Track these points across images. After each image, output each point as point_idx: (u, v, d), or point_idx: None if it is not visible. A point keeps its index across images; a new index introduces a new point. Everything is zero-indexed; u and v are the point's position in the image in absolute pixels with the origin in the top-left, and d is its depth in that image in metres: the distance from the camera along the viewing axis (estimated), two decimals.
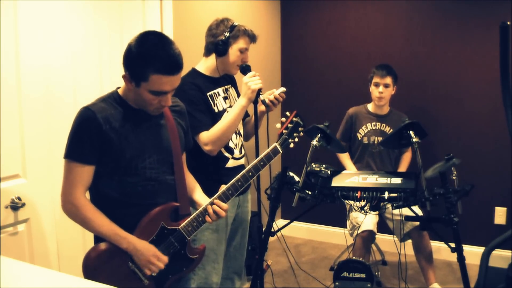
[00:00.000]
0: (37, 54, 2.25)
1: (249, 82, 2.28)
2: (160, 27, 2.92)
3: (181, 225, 1.82)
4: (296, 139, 2.08)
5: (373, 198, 2.51)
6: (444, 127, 3.88)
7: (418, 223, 2.97)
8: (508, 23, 1.20)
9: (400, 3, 3.95)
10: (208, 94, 2.39)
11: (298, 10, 4.36)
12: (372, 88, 3.48)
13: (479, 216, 3.80)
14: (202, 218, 1.85)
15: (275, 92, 2.40)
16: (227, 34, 2.36)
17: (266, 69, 4.26)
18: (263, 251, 2.63)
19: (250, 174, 1.94)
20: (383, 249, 3.91)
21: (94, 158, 1.69)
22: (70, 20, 2.40)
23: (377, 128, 3.52)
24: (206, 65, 2.45)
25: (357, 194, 2.53)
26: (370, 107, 3.59)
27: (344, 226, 3.39)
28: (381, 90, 3.42)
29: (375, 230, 3.21)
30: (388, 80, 3.41)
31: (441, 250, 3.73)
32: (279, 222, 3.26)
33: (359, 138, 3.55)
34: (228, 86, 2.55)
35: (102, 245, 1.71)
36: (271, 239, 2.79)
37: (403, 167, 3.57)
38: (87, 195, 1.76)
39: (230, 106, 2.44)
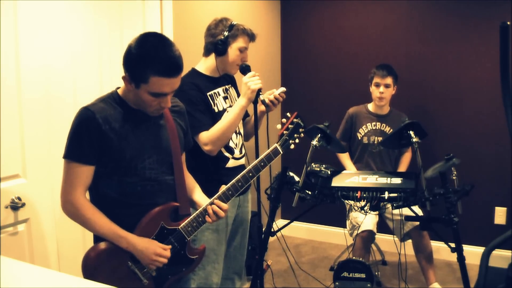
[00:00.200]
0: (37, 54, 2.25)
1: (248, 82, 2.28)
2: (160, 27, 2.92)
3: (181, 225, 1.82)
4: (297, 140, 2.08)
5: (373, 198, 2.51)
6: (444, 127, 3.88)
7: (418, 222, 2.97)
8: (508, 23, 1.20)
9: (400, 3, 3.95)
10: (208, 94, 2.39)
11: (298, 10, 4.36)
12: (373, 88, 3.48)
13: (479, 216, 3.80)
14: (202, 219, 1.85)
15: (275, 92, 2.40)
16: (226, 33, 2.36)
17: (266, 69, 4.26)
18: (263, 251, 2.63)
19: (250, 174, 1.94)
20: (383, 249, 3.91)
21: (94, 158, 1.69)
22: (70, 20, 2.40)
23: (377, 128, 3.52)
24: (205, 65, 2.45)
25: (357, 194, 2.53)
26: (370, 107, 3.59)
27: (344, 226, 3.39)
28: (382, 91, 3.42)
29: (375, 230, 3.21)
30: (389, 80, 3.41)
31: (441, 250, 3.73)
32: (279, 222, 3.26)
33: (359, 138, 3.55)
34: (228, 86, 2.55)
35: (102, 245, 1.71)
36: (271, 239, 2.79)
37: (403, 167, 3.57)
38: (87, 195, 1.76)
39: (230, 106, 2.44)
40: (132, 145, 1.72)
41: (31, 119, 2.24)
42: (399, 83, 3.55)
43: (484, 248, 1.43)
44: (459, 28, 3.76)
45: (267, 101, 2.35)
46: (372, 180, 2.60)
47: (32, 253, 2.26)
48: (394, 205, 2.53)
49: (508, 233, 1.40)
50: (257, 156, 2.08)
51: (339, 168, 2.84)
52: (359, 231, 3.11)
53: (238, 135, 2.53)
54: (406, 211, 2.79)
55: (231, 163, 2.46)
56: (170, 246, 1.79)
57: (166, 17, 2.95)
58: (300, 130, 2.09)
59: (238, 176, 1.92)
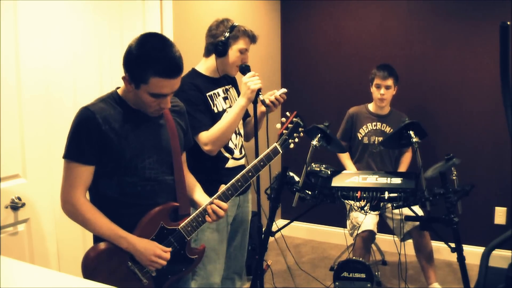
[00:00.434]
0: (37, 54, 2.25)
1: (248, 82, 2.28)
2: (160, 27, 2.92)
3: (181, 225, 1.82)
4: (296, 140, 2.08)
5: (373, 198, 2.51)
6: (444, 127, 3.88)
7: (418, 222, 2.97)
8: (508, 23, 1.21)
9: (400, 3, 3.95)
10: (207, 94, 2.39)
11: (298, 10, 4.36)
12: (374, 89, 3.48)
13: (479, 216, 3.80)
14: (202, 218, 1.85)
15: (276, 92, 2.40)
16: (226, 34, 2.36)
17: (266, 69, 4.26)
18: (263, 251, 2.63)
19: (250, 174, 1.94)
20: (383, 249, 3.91)
21: (94, 158, 1.69)
22: (70, 20, 2.40)
23: (377, 128, 3.52)
24: (206, 65, 2.45)
25: (357, 194, 2.53)
26: (371, 107, 3.59)
27: (344, 226, 3.39)
28: (383, 92, 3.42)
29: (375, 230, 3.21)
30: (390, 82, 3.41)
31: (441, 250, 3.73)
32: (279, 222, 3.26)
33: (360, 138, 3.55)
34: (229, 87, 2.55)
35: (102, 245, 1.71)
36: (271, 239, 2.79)
37: (403, 167, 3.57)
38: (88, 195, 1.76)
39: (230, 107, 2.44)
40: (132, 145, 1.72)
41: (31, 119, 2.24)
42: (400, 83, 3.54)
43: (484, 248, 1.43)
44: (459, 28, 3.75)
45: (267, 101, 2.35)
46: (372, 180, 2.60)
47: (32, 253, 2.27)
48: (394, 205, 2.53)
49: (508, 233, 1.40)
50: (256, 156, 2.08)
51: (339, 168, 2.84)
52: (360, 231, 3.11)
53: (238, 135, 2.53)
54: (406, 211, 2.79)
55: (231, 164, 2.46)
56: (170, 249, 1.79)
57: (166, 17, 2.95)
58: (300, 129, 2.09)
59: (238, 176, 1.92)
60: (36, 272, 1.47)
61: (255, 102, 2.32)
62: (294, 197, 2.62)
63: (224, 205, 1.87)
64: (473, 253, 3.36)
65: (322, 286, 3.44)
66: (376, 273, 3.56)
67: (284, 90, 2.42)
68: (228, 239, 2.53)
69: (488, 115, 3.71)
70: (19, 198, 2.18)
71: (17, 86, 2.17)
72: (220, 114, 2.40)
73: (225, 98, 2.48)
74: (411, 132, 2.61)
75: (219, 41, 2.36)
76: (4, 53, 2.10)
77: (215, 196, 1.87)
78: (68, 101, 2.40)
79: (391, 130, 3.46)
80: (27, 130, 2.22)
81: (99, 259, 1.70)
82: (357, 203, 2.57)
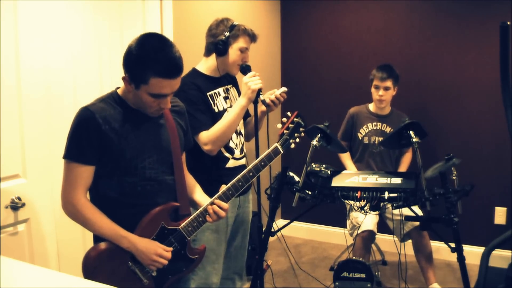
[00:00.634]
0: (37, 54, 2.25)
1: (249, 82, 2.28)
2: (160, 27, 2.92)
3: (181, 225, 1.82)
4: (297, 140, 2.08)
5: (373, 198, 2.51)
6: (444, 127, 3.88)
7: (418, 223, 2.97)
8: (508, 23, 1.21)
9: (400, 3, 3.96)
10: (208, 94, 2.39)
11: (298, 10, 4.36)
12: (373, 90, 3.48)
13: (479, 216, 3.80)
14: (203, 218, 1.85)
15: (276, 92, 2.40)
16: (227, 33, 2.36)
17: (266, 69, 4.26)
18: (263, 251, 2.63)
19: (251, 174, 1.94)
20: (383, 249, 3.91)
21: (94, 158, 1.69)
22: (70, 20, 2.40)
23: (377, 128, 3.52)
24: (206, 65, 2.45)
25: (357, 194, 2.53)
26: (371, 107, 3.59)
27: (344, 226, 3.39)
28: (381, 94, 3.42)
29: (375, 230, 3.21)
30: (389, 83, 3.41)
31: (441, 250, 3.73)
32: (279, 222, 3.26)
33: (360, 138, 3.55)
34: (229, 86, 2.55)
35: (102, 245, 1.71)
36: (271, 239, 2.79)
37: (403, 167, 3.57)
38: (88, 195, 1.76)
39: (231, 106, 2.44)
40: (132, 145, 1.72)
41: (31, 119, 2.24)
42: (400, 83, 3.54)
43: (484, 248, 1.43)
44: (459, 28, 3.75)
45: (267, 101, 2.35)
46: (372, 180, 2.60)
47: (32, 253, 2.26)
48: (394, 205, 2.52)
49: (508, 233, 1.40)
50: (257, 156, 2.08)
51: (339, 168, 2.84)
52: (360, 231, 3.11)
53: (238, 135, 2.53)
54: (406, 211, 2.79)
55: (231, 163, 2.46)
56: (171, 248, 1.79)
57: (166, 17, 2.95)
58: (301, 129, 2.09)
59: (239, 176, 1.92)
60: (36, 272, 1.47)
61: (255, 102, 2.32)
62: (294, 197, 2.62)
63: (225, 205, 1.86)
64: (473, 253, 3.36)
65: (322, 286, 3.44)
66: (376, 273, 3.56)
67: (284, 89, 2.42)
68: (228, 239, 2.53)
69: (488, 115, 3.71)
70: (19, 198, 2.18)
71: (17, 86, 2.17)
72: (220, 114, 2.40)
73: (225, 98, 2.48)
74: (411, 132, 2.61)
75: (219, 40, 2.36)
76: (4, 53, 2.10)
77: (216, 196, 1.87)
78: (68, 101, 2.40)
79: (391, 130, 3.46)
80: (27, 130, 2.22)
81: (99, 259, 1.70)
82: (357, 203, 2.57)
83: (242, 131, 2.59)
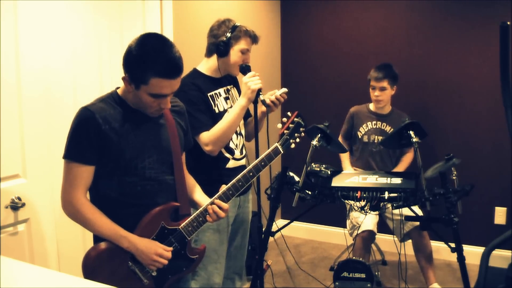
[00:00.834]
0: (37, 54, 2.25)
1: (249, 82, 2.28)
2: (160, 27, 2.92)
3: (181, 225, 1.82)
4: (297, 140, 2.08)
5: (373, 198, 2.51)
6: (444, 127, 3.88)
7: (418, 222, 2.97)
8: (508, 23, 1.21)
9: (400, 3, 3.95)
10: (208, 94, 2.39)
11: (298, 10, 4.36)
12: (370, 91, 3.50)
13: (479, 216, 3.80)
14: (203, 218, 1.85)
15: (277, 92, 2.40)
16: (228, 34, 2.36)
17: (266, 69, 4.26)
18: (263, 251, 2.63)
19: (251, 174, 1.94)
20: (383, 249, 3.91)
21: (94, 158, 1.69)
22: (70, 20, 2.40)
23: (377, 127, 3.53)
24: (207, 65, 2.45)
25: (357, 194, 2.53)
26: (372, 106, 3.60)
27: (344, 226, 3.39)
28: (377, 94, 3.43)
29: (375, 230, 3.21)
30: (384, 83, 3.41)
31: (441, 250, 3.73)
32: (279, 222, 3.26)
33: (359, 137, 3.56)
34: (230, 87, 2.55)
35: (102, 245, 1.71)
36: (271, 239, 2.79)
37: (401, 167, 3.54)
38: (88, 195, 1.76)
39: (231, 107, 2.44)
40: (132, 145, 1.72)
41: (31, 119, 2.24)
42: (399, 83, 3.55)
43: (484, 248, 1.43)
44: (459, 28, 3.76)
45: (268, 101, 2.35)
46: (372, 180, 2.60)
47: (32, 253, 2.26)
48: (394, 205, 2.53)
49: (508, 233, 1.40)
50: (257, 156, 2.08)
51: (339, 168, 2.85)
52: (360, 231, 3.11)
53: (239, 135, 2.53)
54: (406, 211, 2.79)
55: (232, 164, 2.46)
56: (172, 248, 1.79)
57: (166, 17, 2.95)
58: (301, 129, 2.09)
59: (239, 176, 1.92)
60: (36, 272, 1.47)
61: (255, 102, 2.32)
62: (294, 197, 2.62)
63: (225, 205, 1.86)
64: (473, 253, 3.36)
65: (322, 286, 3.44)
66: (376, 273, 3.56)
67: (284, 89, 2.42)
68: (228, 239, 2.53)
69: (488, 115, 3.71)
70: (19, 198, 2.18)
71: (17, 86, 2.17)
72: (221, 114, 2.40)
73: (226, 98, 2.48)
74: (411, 132, 2.61)
75: (220, 41, 2.36)
76: (4, 53, 2.10)
77: (216, 196, 1.87)
78: (68, 101, 2.40)
79: (391, 129, 3.47)
80: (27, 130, 2.22)
81: (99, 258, 1.70)
82: (357, 203, 2.57)
83: (242, 132, 2.59)
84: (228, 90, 2.52)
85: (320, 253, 4.19)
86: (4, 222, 2.13)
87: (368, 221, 3.12)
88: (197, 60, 2.51)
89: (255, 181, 2.13)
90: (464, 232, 2.80)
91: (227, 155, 2.45)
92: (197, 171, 2.14)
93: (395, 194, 2.50)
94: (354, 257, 2.82)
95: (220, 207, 1.85)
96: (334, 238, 4.32)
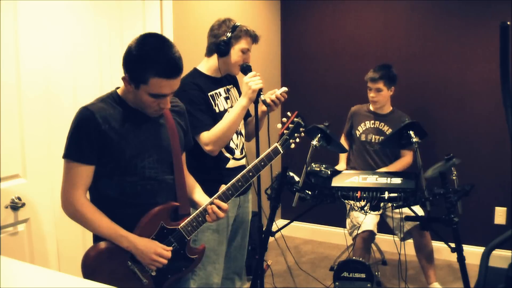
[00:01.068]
0: (37, 54, 2.25)
1: (249, 82, 2.28)
2: (160, 27, 2.92)
3: (181, 224, 1.82)
4: (297, 140, 2.08)
5: (373, 198, 2.51)
6: (444, 127, 3.88)
7: (418, 222, 2.97)
8: (508, 23, 1.21)
9: (400, 3, 3.95)
10: (209, 94, 2.39)
11: (298, 10, 4.36)
12: (368, 91, 3.51)
13: (479, 216, 3.80)
14: (202, 218, 1.85)
15: (277, 91, 2.40)
16: (229, 34, 2.36)
17: (266, 69, 4.26)
18: (263, 251, 2.63)
19: (251, 174, 1.94)
20: (383, 249, 3.91)
21: (94, 158, 1.69)
22: (70, 20, 2.40)
23: (375, 126, 3.54)
24: (208, 65, 2.45)
25: (357, 194, 2.53)
26: (371, 106, 3.60)
27: (344, 226, 3.39)
28: (373, 95, 3.45)
29: (375, 230, 3.21)
30: (380, 85, 3.41)
31: (441, 250, 3.72)
32: (279, 222, 3.26)
33: (357, 135, 3.58)
34: (230, 86, 2.55)
35: (102, 244, 1.71)
36: (271, 239, 2.79)
37: (393, 167, 3.48)
38: (88, 195, 1.76)
39: (232, 107, 2.44)
40: (131, 145, 1.72)
41: (31, 119, 2.24)
42: (399, 83, 3.55)
43: (484, 248, 1.43)
44: (459, 28, 3.75)
45: (268, 100, 2.35)
46: (372, 180, 2.60)
47: (32, 253, 2.26)
48: (394, 205, 2.52)
49: (508, 233, 1.40)
50: (257, 156, 2.08)
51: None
52: (360, 231, 3.11)
53: (239, 135, 2.53)
54: (406, 211, 2.79)
55: (232, 164, 2.46)
56: (171, 248, 1.79)
57: (166, 17, 2.95)
58: (301, 129, 2.09)
59: (238, 176, 1.91)
60: (36, 272, 1.47)
61: (256, 102, 2.32)
62: (294, 197, 2.62)
63: (224, 205, 1.86)
64: (473, 253, 3.36)
65: (322, 286, 3.44)
66: (376, 273, 3.56)
67: (285, 89, 2.42)
68: (228, 239, 2.53)
69: (488, 115, 3.71)
70: (19, 198, 2.18)
71: (17, 86, 2.17)
72: (221, 114, 2.39)
73: (226, 98, 2.48)
74: (411, 132, 2.61)
75: (221, 40, 2.36)
76: (4, 53, 2.10)
77: (215, 195, 1.87)
78: (68, 101, 2.40)
79: (389, 129, 3.47)
80: (27, 130, 2.22)
81: (99, 258, 1.70)
82: (357, 203, 2.57)
83: (243, 132, 2.59)
84: (228, 90, 2.52)
85: (320, 253, 4.19)
86: (4, 222, 2.13)
87: (368, 221, 3.12)
88: (197, 60, 2.51)
89: (255, 181, 2.13)
90: (464, 232, 2.80)
91: (227, 155, 2.45)
92: (197, 170, 2.14)
93: (395, 194, 2.50)
94: (354, 257, 2.82)
95: (219, 207, 1.85)
96: (334, 238, 4.32)
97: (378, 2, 4.02)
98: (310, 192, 2.64)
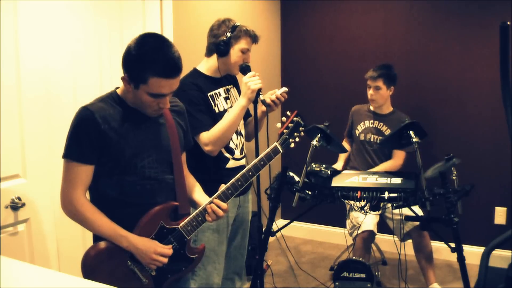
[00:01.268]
0: (37, 54, 2.25)
1: (249, 82, 2.28)
2: (160, 27, 2.92)
3: (181, 224, 1.82)
4: (297, 139, 2.08)
5: (373, 198, 2.51)
6: (444, 127, 3.88)
7: (418, 222, 2.97)
8: (508, 23, 1.21)
9: (400, 3, 3.95)
10: (208, 94, 2.39)
11: (298, 10, 4.36)
12: (367, 90, 3.51)
13: (479, 216, 3.80)
14: (202, 218, 1.85)
15: (277, 92, 2.40)
16: (228, 34, 2.36)
17: (266, 69, 4.26)
18: (263, 251, 2.63)
19: (250, 173, 1.94)
20: (383, 249, 3.91)
21: (93, 158, 1.69)
22: (70, 20, 2.40)
23: (374, 126, 3.54)
24: (207, 65, 2.45)
25: (357, 194, 2.53)
26: (371, 105, 3.61)
27: (344, 226, 3.39)
28: (371, 93, 3.45)
29: (375, 230, 3.21)
30: (379, 83, 3.41)
31: (441, 250, 3.73)
32: (279, 222, 3.26)
33: (357, 135, 3.59)
34: (230, 87, 2.55)
35: (102, 244, 1.71)
36: (271, 239, 2.79)
37: (381, 167, 3.45)
38: (88, 195, 1.76)
39: (231, 107, 2.44)
40: (131, 144, 1.72)
41: (31, 119, 2.24)
42: (399, 83, 3.55)
43: (484, 248, 1.43)
44: (459, 27, 3.75)
45: (268, 100, 2.35)
46: (372, 180, 2.60)
47: (32, 253, 2.26)
48: (394, 205, 2.52)
49: (508, 233, 1.40)
50: (257, 156, 2.08)
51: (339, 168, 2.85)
52: (360, 231, 3.11)
53: (238, 135, 2.53)
54: (406, 211, 2.79)
55: (231, 164, 2.46)
56: (171, 247, 1.79)
57: (166, 17, 2.95)
58: (300, 129, 2.08)
59: (238, 175, 1.91)
60: (36, 272, 1.47)
61: (255, 102, 2.32)
62: (294, 197, 2.62)
63: (224, 205, 1.86)
64: (473, 253, 3.36)
65: (322, 286, 3.44)
66: (376, 273, 3.56)
67: (285, 89, 2.42)
68: (228, 239, 2.53)
69: (488, 115, 3.71)
70: (19, 198, 2.18)
71: (17, 86, 2.17)
72: (221, 114, 2.39)
73: (226, 98, 2.48)
74: (411, 132, 2.61)
75: (220, 41, 2.36)
76: (4, 53, 2.10)
77: (215, 195, 1.87)
78: (68, 101, 2.40)
79: (388, 130, 3.47)
80: (27, 130, 2.22)
81: (99, 258, 1.70)
82: (357, 203, 2.57)
83: (242, 132, 2.59)
84: (228, 90, 2.52)
85: (320, 253, 4.19)
86: (4, 222, 2.13)
87: (368, 221, 3.12)
88: (197, 60, 2.51)
89: (255, 181, 2.13)
90: (464, 232, 2.80)
91: (227, 155, 2.45)
92: (197, 170, 2.14)
93: (395, 194, 2.50)
94: (354, 257, 2.82)
95: (219, 207, 1.85)
96: (334, 238, 4.32)
97: (378, 2, 4.02)
98: (310, 192, 2.64)
